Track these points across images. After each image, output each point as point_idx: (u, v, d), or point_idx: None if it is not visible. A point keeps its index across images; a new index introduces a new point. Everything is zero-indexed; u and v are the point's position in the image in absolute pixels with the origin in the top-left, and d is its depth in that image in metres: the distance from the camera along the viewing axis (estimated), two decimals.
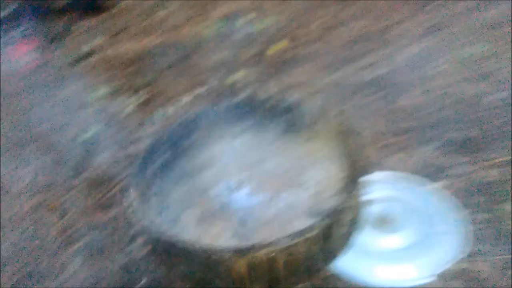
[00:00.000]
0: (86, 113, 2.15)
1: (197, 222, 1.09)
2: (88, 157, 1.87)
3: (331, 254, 0.87)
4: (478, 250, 1.17)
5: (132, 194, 0.98)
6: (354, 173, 1.00)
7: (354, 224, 0.88)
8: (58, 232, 1.53)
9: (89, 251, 1.44)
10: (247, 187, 1.22)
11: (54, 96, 2.32)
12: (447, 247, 1.18)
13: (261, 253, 0.82)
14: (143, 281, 1.31)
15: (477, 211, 1.28)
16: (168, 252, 0.89)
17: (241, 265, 0.83)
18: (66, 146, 1.95)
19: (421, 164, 1.49)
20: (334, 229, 0.85)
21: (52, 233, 1.54)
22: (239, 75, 2.20)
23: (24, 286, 1.37)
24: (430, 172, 1.45)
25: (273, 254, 0.82)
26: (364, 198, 0.92)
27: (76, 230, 1.52)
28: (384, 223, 1.27)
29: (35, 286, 1.36)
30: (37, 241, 1.52)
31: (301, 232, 0.83)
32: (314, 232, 0.82)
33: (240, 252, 0.82)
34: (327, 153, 1.16)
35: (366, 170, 0.94)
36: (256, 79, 2.16)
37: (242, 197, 1.19)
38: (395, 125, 1.69)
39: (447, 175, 1.42)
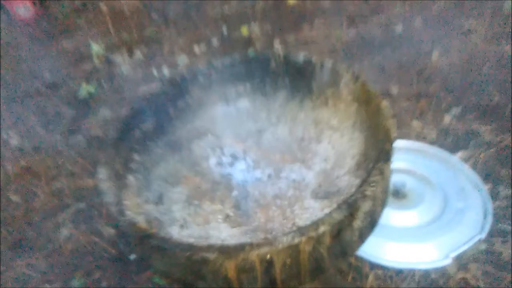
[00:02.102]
0: (79, 70, 1.92)
1: (183, 204, 0.87)
2: (79, 118, 1.66)
3: (341, 254, 0.66)
4: (499, 229, 1.04)
5: (103, 172, 0.76)
6: (372, 150, 0.77)
7: (371, 217, 0.66)
8: (44, 200, 1.35)
9: (76, 223, 1.27)
10: (243, 162, 0.98)
11: (48, 51, 2.08)
12: (465, 226, 1.03)
13: (254, 255, 0.61)
14: (132, 257, 1.13)
15: (499, 186, 1.13)
16: (141, 245, 0.68)
17: (229, 268, 0.62)
18: (58, 105, 1.74)
19: (438, 133, 1.32)
20: (346, 225, 0.63)
21: (38, 201, 1.35)
22: (242, 31, 1.92)
23: (10, 256, 1.20)
24: (448, 142, 1.29)
25: (269, 256, 0.61)
26: (384, 184, 0.69)
27: (63, 199, 1.34)
28: (397, 198, 1.13)
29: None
30: (22, 209, 1.33)
31: (304, 230, 0.61)
32: (321, 230, 0.60)
33: (227, 252, 0.61)
34: (337, 124, 0.92)
35: (387, 149, 0.70)
36: (261, 36, 1.89)
37: (237, 173, 0.96)
38: (411, 89, 1.48)
39: (466, 146, 1.26)
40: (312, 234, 0.60)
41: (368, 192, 0.64)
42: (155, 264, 0.69)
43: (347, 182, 0.82)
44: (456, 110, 1.39)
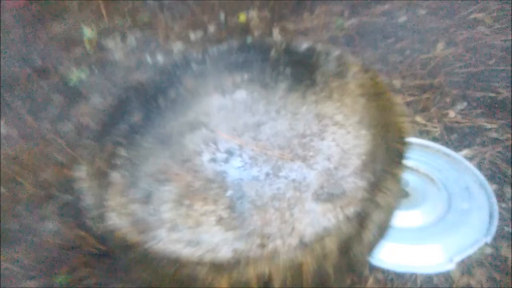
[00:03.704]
0: (70, 55, 1.79)
1: (173, 203, 0.77)
2: (69, 105, 1.55)
3: (348, 271, 0.57)
4: (505, 232, 0.96)
5: (81, 169, 0.65)
6: (381, 150, 0.67)
7: (383, 228, 0.57)
8: (30, 191, 1.24)
9: (63, 216, 1.16)
10: (239, 159, 0.88)
11: (38, 35, 1.95)
12: (470, 228, 0.95)
13: (250, 271, 0.51)
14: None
15: (506, 186, 1.05)
16: (123, 253, 0.58)
17: (221, 284, 0.53)
18: (47, 92, 1.62)
19: (442, 129, 1.23)
20: (356, 239, 0.53)
21: (24, 192, 1.25)
22: (240, 18, 1.80)
23: None
24: (453, 139, 1.20)
25: (267, 272, 0.52)
26: (397, 191, 0.59)
27: (50, 190, 1.23)
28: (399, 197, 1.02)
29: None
30: (7, 200, 1.23)
31: (307, 244, 0.51)
32: (328, 244, 0.51)
33: (219, 268, 0.51)
34: (343, 119, 0.82)
35: (401, 150, 0.60)
36: (259, 23, 1.77)
37: (232, 171, 0.85)
38: (414, 82, 1.38)
39: (472, 143, 1.17)
40: (318, 248, 0.51)
41: (380, 201, 0.54)
42: (140, 276, 0.60)
43: (352, 184, 0.73)
44: (461, 105, 1.30)
